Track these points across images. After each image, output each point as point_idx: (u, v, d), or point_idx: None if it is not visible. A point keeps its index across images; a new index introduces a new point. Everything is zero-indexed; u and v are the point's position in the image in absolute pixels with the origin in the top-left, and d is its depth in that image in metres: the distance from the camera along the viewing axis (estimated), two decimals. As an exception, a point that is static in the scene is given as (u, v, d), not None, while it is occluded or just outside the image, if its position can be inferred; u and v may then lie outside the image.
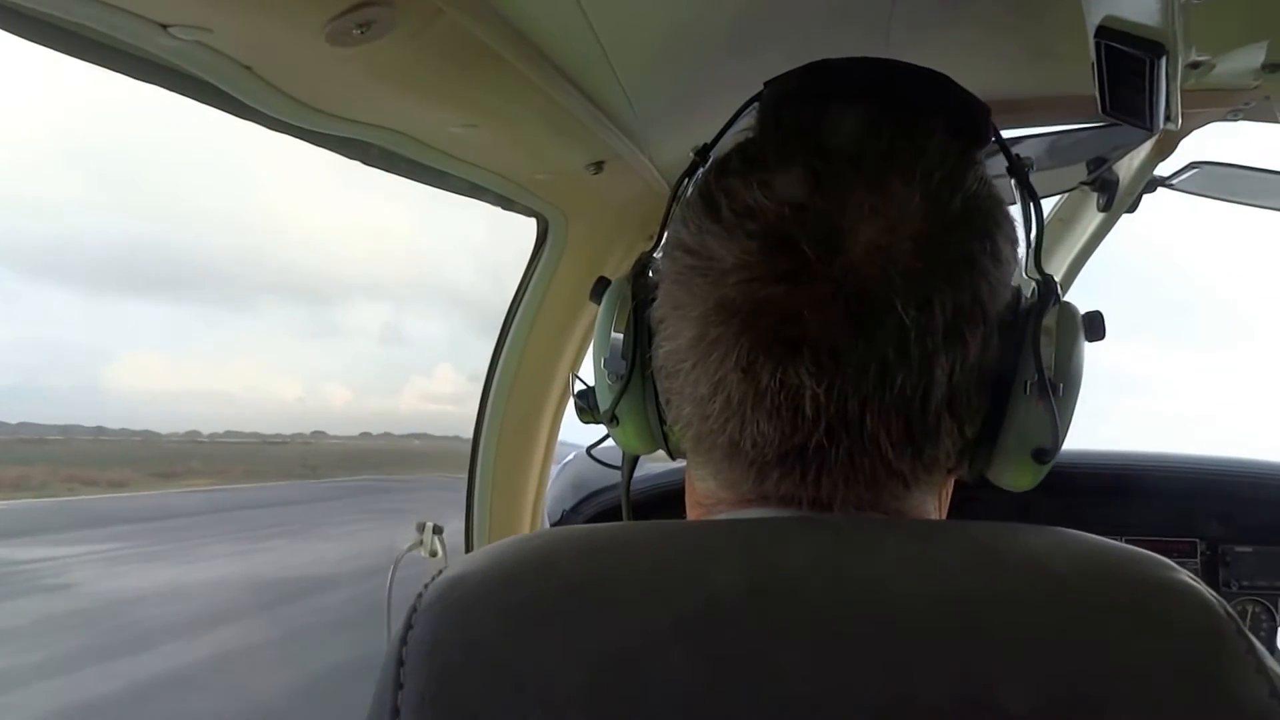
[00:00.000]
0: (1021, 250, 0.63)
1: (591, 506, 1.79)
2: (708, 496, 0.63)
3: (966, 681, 0.45)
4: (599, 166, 1.25)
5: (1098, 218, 1.64)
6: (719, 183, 0.59)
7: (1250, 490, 1.76)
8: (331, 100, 0.90)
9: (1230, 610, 0.48)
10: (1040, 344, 0.59)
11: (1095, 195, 1.58)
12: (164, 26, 0.69)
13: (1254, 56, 0.92)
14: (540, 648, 0.48)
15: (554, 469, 1.78)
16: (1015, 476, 0.63)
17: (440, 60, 0.86)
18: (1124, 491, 1.77)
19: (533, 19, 0.89)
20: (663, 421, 0.67)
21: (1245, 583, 1.73)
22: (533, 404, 1.66)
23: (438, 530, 1.66)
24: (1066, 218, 1.77)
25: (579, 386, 0.77)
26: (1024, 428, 0.60)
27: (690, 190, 0.63)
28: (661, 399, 0.65)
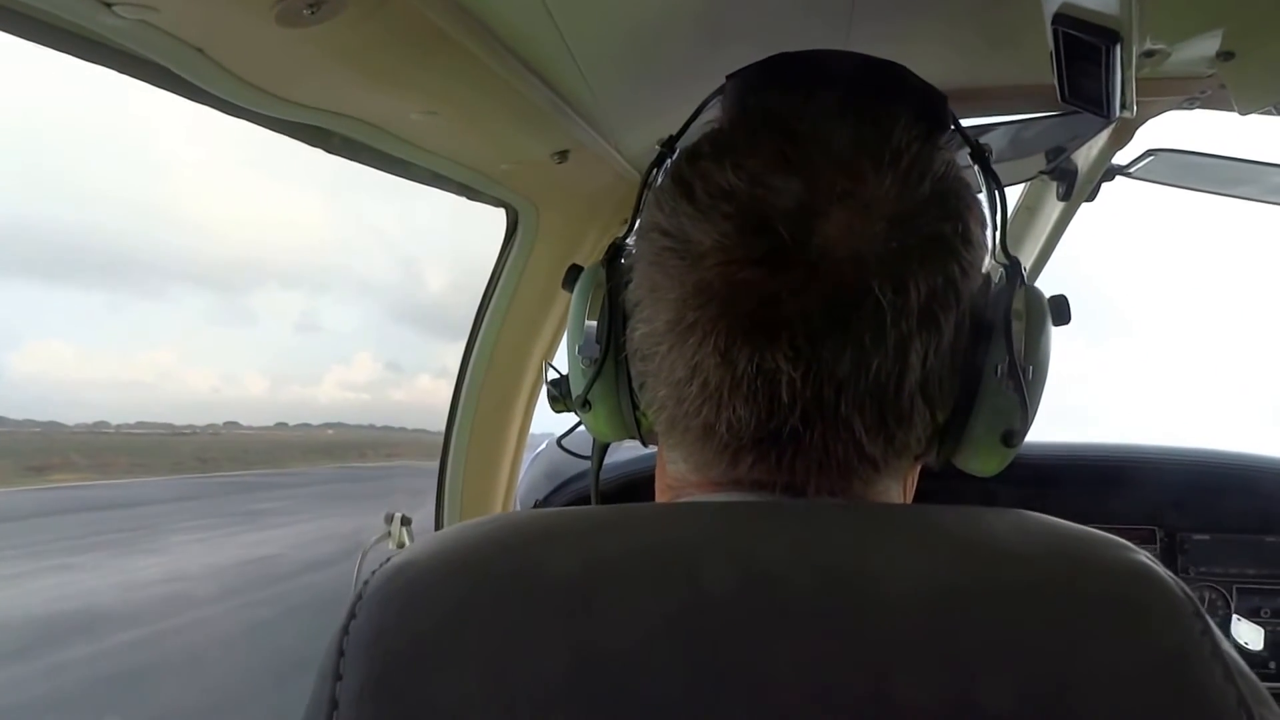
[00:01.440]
0: (989, 235, 0.63)
1: (564, 495, 1.79)
2: (678, 480, 0.63)
3: (943, 679, 0.44)
4: (564, 156, 1.25)
5: (1060, 206, 1.66)
6: (691, 167, 0.59)
7: (1207, 479, 1.78)
8: (287, 84, 0.88)
9: (1188, 591, 0.48)
10: (1011, 327, 0.59)
11: (1055, 184, 1.60)
12: (107, 5, 0.68)
13: (1209, 45, 0.94)
14: (488, 639, 0.47)
15: (526, 458, 1.78)
16: (983, 461, 0.63)
17: (395, 44, 0.85)
18: (1083, 480, 1.79)
19: (489, 5, 0.88)
20: (635, 406, 0.66)
21: (1202, 569, 1.75)
22: (505, 393, 1.66)
23: (406, 521, 1.65)
24: (1032, 206, 1.79)
25: (552, 375, 0.77)
26: (994, 411, 0.60)
27: (662, 178, 0.63)
28: (635, 382, 0.64)
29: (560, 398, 0.75)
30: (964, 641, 0.45)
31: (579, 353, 0.68)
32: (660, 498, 0.67)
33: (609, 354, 0.66)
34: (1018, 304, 0.60)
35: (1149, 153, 1.47)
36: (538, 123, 1.14)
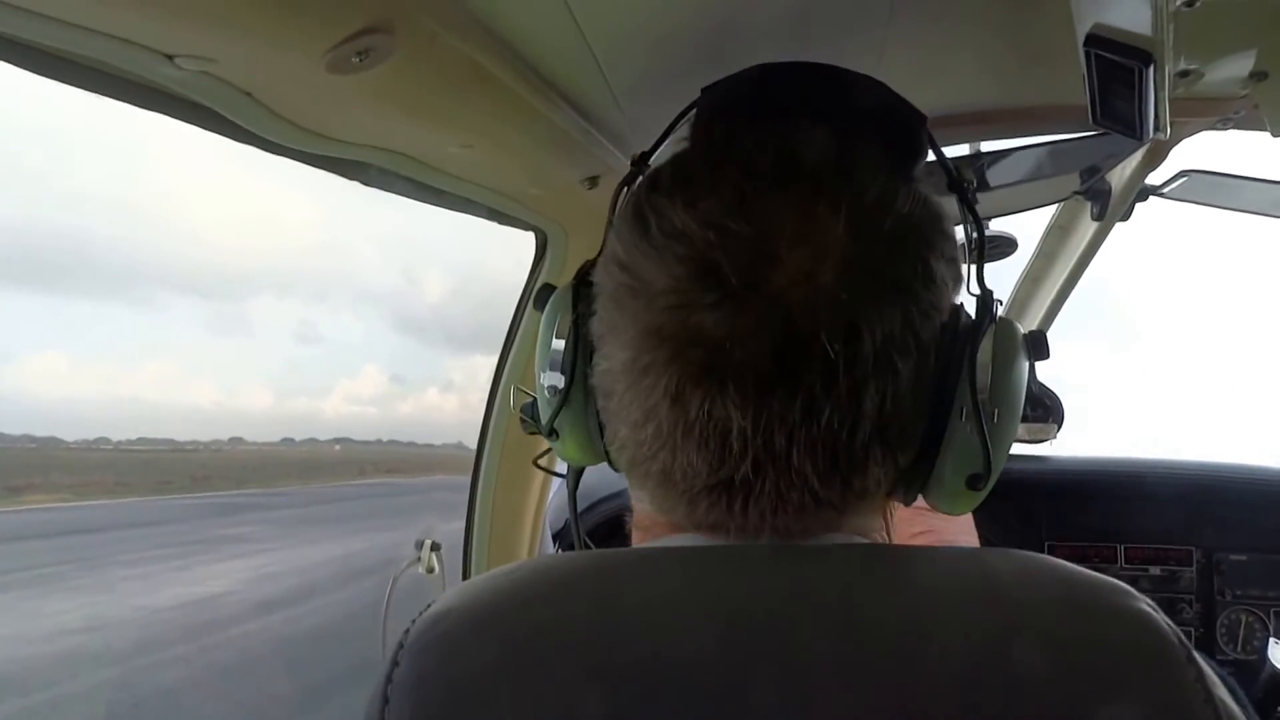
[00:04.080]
0: (963, 267, 0.62)
1: (594, 516, 1.79)
2: (645, 519, 0.64)
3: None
4: (594, 181, 1.25)
5: (1094, 226, 1.65)
6: (649, 200, 0.58)
7: (1247, 495, 1.76)
8: (331, 125, 0.90)
9: (1182, 638, 0.49)
10: (976, 367, 0.58)
11: (1089, 204, 1.60)
12: (169, 57, 0.70)
13: (1242, 65, 0.93)
14: (522, 690, 0.48)
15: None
16: (950, 503, 0.62)
17: (438, 83, 0.87)
18: (1122, 497, 1.77)
19: (528, 38, 0.89)
20: (603, 435, 0.66)
21: (1239, 591, 1.73)
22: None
23: (435, 548, 1.66)
24: (1065, 225, 1.79)
25: (524, 400, 0.76)
26: (959, 455, 0.59)
27: (626, 202, 0.63)
28: (602, 416, 0.64)
29: (530, 422, 0.74)
30: (975, 687, 0.46)
31: (544, 380, 0.67)
32: (635, 532, 0.66)
33: (575, 383, 0.65)
34: (986, 341, 0.59)
35: (1182, 173, 1.47)
36: (570, 150, 1.15)
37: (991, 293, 0.64)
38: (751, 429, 0.53)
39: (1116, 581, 0.51)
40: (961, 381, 0.58)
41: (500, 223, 1.43)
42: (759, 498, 0.55)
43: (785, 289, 0.53)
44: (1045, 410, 1.99)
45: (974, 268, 0.65)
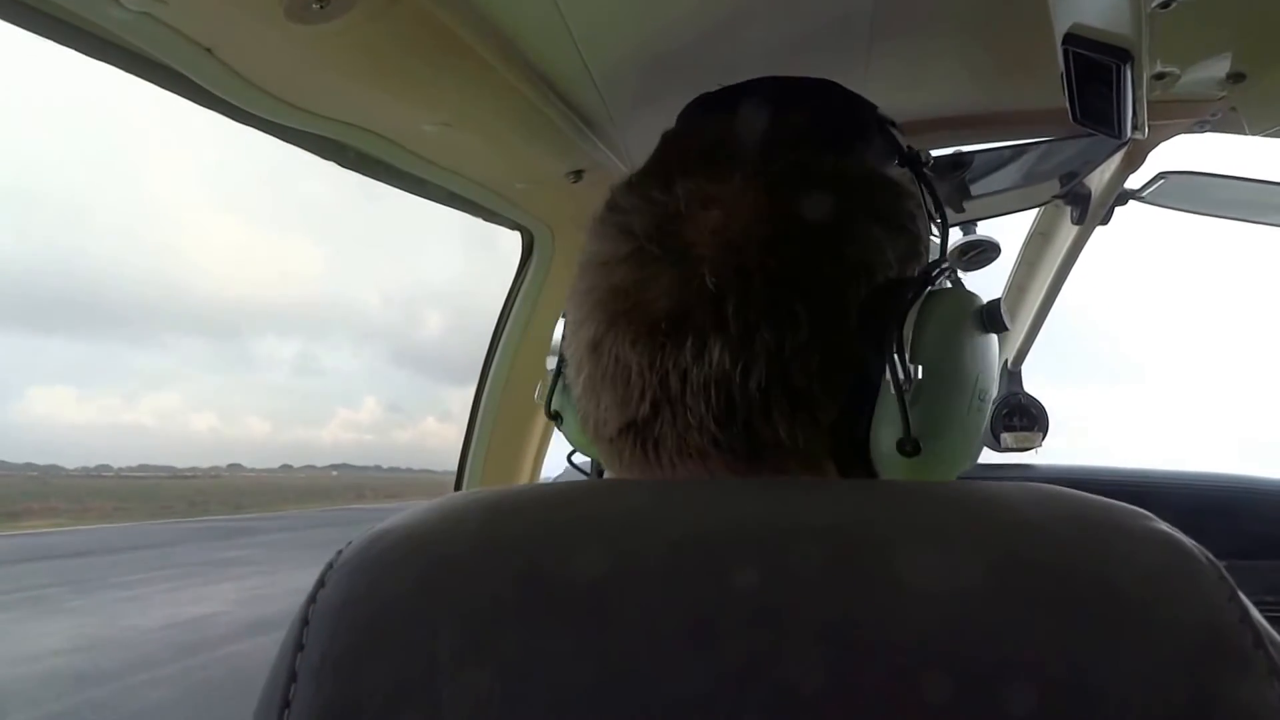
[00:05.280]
0: (922, 240, 0.64)
1: None
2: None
3: (975, 653, 0.42)
4: (579, 175, 1.25)
5: (1074, 231, 1.66)
6: (615, 191, 0.64)
7: (1221, 503, 1.78)
8: (296, 89, 0.88)
9: (1212, 559, 0.46)
10: (903, 329, 0.56)
11: (1069, 209, 1.61)
12: None
13: (1219, 67, 0.94)
14: (465, 600, 0.45)
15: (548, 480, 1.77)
16: (887, 472, 0.59)
17: (407, 48, 0.85)
18: None
19: (509, 17, 0.89)
20: None
21: None
22: (522, 418, 1.65)
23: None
24: (1046, 231, 1.80)
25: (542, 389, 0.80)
26: (885, 418, 0.57)
27: None
28: None
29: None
30: (993, 617, 0.43)
31: (548, 366, 0.73)
32: None
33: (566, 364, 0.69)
34: (915, 306, 0.57)
35: (1160, 175, 1.48)
36: (553, 140, 1.15)
37: (941, 261, 0.62)
38: (648, 370, 0.56)
39: (1134, 506, 0.48)
40: (887, 341, 0.56)
41: (486, 219, 1.43)
42: (662, 440, 0.57)
43: (692, 243, 0.57)
44: (1030, 419, 2.01)
45: (926, 241, 0.65)
